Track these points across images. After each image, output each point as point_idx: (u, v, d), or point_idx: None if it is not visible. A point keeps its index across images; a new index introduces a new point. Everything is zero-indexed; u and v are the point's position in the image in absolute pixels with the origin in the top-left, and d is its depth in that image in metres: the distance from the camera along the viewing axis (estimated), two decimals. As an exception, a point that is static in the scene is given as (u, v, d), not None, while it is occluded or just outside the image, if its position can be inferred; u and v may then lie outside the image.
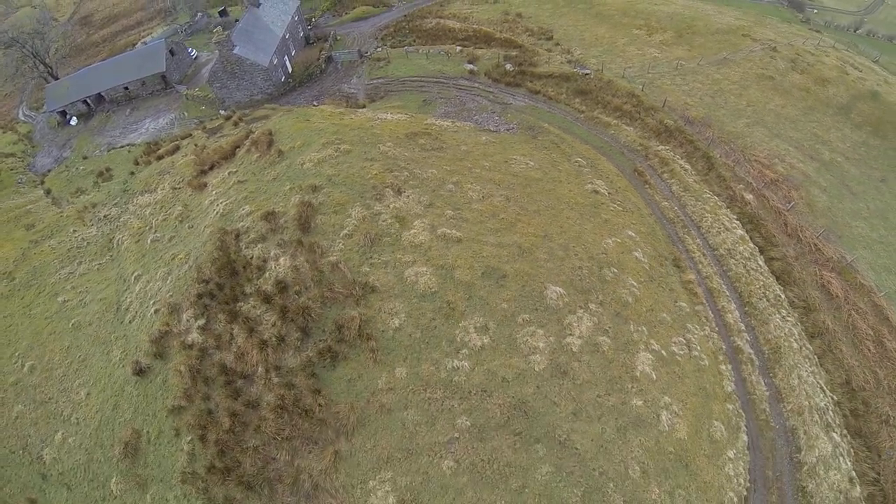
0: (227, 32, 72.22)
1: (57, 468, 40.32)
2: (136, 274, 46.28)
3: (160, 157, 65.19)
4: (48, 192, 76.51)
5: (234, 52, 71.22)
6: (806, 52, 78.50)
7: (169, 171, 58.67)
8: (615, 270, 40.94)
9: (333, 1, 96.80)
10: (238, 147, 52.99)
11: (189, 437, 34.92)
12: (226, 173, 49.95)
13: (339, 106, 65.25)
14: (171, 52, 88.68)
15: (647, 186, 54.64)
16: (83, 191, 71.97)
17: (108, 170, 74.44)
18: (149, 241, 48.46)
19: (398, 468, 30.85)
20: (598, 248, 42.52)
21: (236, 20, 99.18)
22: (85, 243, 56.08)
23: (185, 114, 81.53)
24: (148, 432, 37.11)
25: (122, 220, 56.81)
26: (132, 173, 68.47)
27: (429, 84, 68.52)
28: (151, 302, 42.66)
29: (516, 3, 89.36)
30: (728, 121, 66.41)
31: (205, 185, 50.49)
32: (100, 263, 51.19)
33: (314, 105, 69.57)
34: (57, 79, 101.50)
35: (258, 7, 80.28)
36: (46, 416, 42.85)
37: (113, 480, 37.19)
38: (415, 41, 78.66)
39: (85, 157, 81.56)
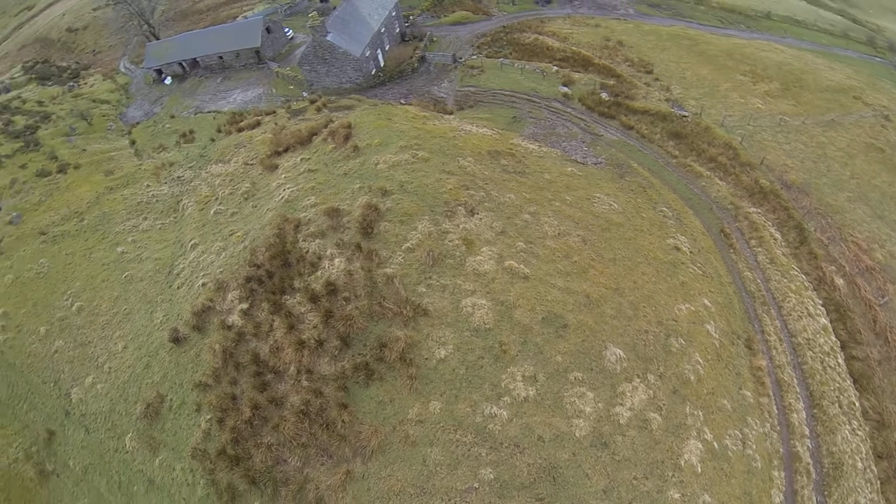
0: (322, 18, 71.91)
1: (80, 409, 40.83)
2: (193, 242, 46.15)
3: (241, 130, 65.52)
4: (133, 143, 78.55)
5: (327, 38, 70.98)
6: (923, 128, 72.02)
7: (245, 146, 58.70)
8: (682, 342, 37.58)
9: (434, 1, 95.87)
10: (315, 134, 52.29)
11: (208, 416, 34.26)
12: (298, 159, 49.27)
13: (425, 108, 63.84)
14: (268, 30, 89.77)
15: (731, 251, 50.68)
16: (165, 148, 73.36)
17: (191, 132, 75.68)
18: (212, 212, 48.32)
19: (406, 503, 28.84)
20: (670, 313, 39.23)
21: (335, 7, 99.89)
22: (154, 200, 56.76)
23: (274, 90, 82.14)
24: (171, 400, 36.80)
25: (192, 184, 57.21)
26: (212, 140, 69.27)
27: (520, 101, 66.30)
28: (201, 273, 42.26)
29: (619, 30, 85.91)
30: (829, 191, 61.23)
31: (276, 166, 49.98)
32: (163, 223, 51.55)
33: (401, 103, 68.47)
34: (158, 39, 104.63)
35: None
36: (82, 357, 43.41)
37: (129, 436, 37.29)
38: (511, 54, 76.55)
39: (172, 117, 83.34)
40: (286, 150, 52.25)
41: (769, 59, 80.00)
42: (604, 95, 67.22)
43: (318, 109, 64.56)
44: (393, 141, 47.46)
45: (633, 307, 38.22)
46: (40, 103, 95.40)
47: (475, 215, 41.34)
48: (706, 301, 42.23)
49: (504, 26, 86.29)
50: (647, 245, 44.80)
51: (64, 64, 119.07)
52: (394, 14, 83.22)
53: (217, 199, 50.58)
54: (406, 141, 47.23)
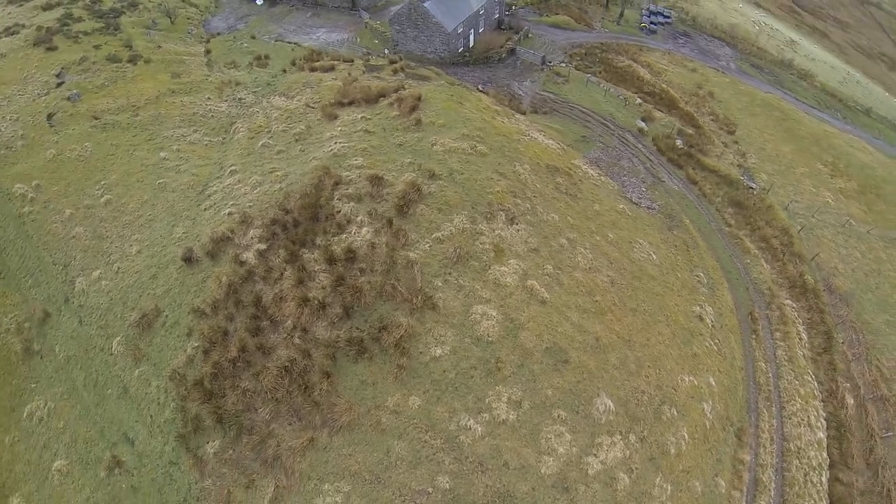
0: None
1: (80, 299, 41.35)
2: (233, 168, 46.15)
3: (313, 70, 65.29)
4: (207, 52, 78.87)
5: (424, 4, 70.04)
6: None
7: (313, 87, 58.41)
8: (675, 412, 36.43)
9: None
10: (383, 96, 51.67)
11: (196, 344, 34.45)
12: (359, 116, 48.75)
13: (500, 102, 62.71)
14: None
15: (753, 337, 48.86)
16: (236, 66, 73.53)
17: (266, 57, 75.68)
18: (260, 144, 48.23)
19: (359, 487, 28.71)
20: (672, 380, 38.01)
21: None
22: (210, 115, 56.97)
23: (359, 40, 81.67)
24: (167, 316, 37.05)
25: (251, 110, 57.26)
26: (284, 71, 69.22)
27: (595, 123, 64.70)
28: (231, 202, 42.28)
29: (713, 81, 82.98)
30: (870, 309, 58.49)
31: (336, 116, 49.60)
32: (210, 141, 51.70)
33: (478, 89, 67.31)
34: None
35: (465, -27, 78.90)
36: (96, 250, 43.87)
37: (117, 339, 37.73)
38: (600, 73, 74.64)
39: (253, 38, 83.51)
40: (350, 104, 51.73)
41: (855, 156, 76.56)
42: (678, 142, 65.22)
43: (395, 72, 63.85)
44: (457, 126, 46.56)
45: (637, 364, 37.17)
46: None
47: (514, 225, 40.39)
48: (711, 380, 40.89)
49: (602, 43, 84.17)
50: (672, 305, 43.43)
51: None
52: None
53: (269, 132, 50.43)
54: (469, 130, 46.29)
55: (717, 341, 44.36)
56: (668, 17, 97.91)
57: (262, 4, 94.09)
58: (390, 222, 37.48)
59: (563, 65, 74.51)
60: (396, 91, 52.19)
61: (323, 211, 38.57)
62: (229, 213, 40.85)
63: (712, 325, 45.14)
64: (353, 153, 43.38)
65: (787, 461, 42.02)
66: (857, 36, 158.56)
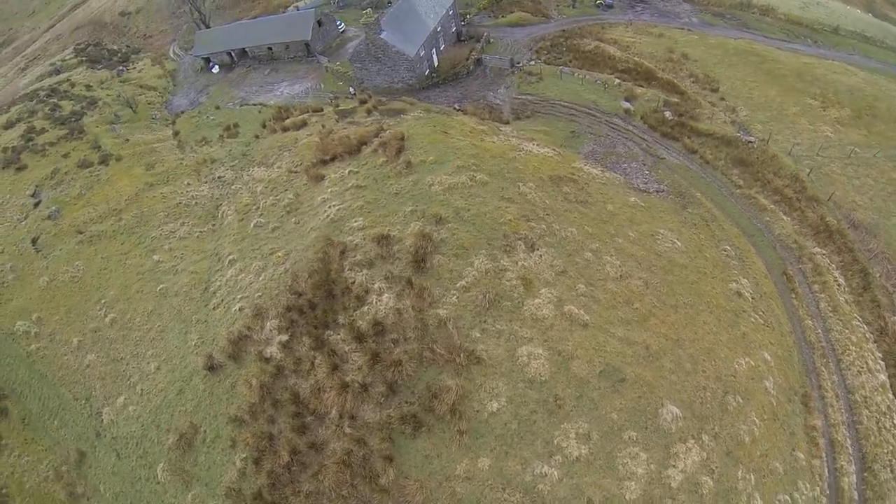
0: (377, 15, 69.41)
1: (112, 431, 39.75)
2: (231, 257, 44.62)
3: (286, 129, 63.96)
4: (176, 133, 77.74)
5: (381, 36, 68.68)
6: None
7: (290, 149, 57.06)
8: (740, 400, 35.04)
9: (491, 0, 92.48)
10: (365, 143, 50.25)
11: (244, 455, 32.94)
12: (346, 171, 47.29)
13: (480, 117, 61.40)
14: (319, 23, 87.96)
15: (793, 296, 47.26)
16: (207, 141, 72.31)
17: (235, 125, 74.48)
18: (252, 225, 46.73)
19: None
20: (729, 367, 36.59)
21: (389, 2, 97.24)
22: (193, 203, 55.56)
23: (322, 85, 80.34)
24: (205, 432, 35.47)
25: (233, 187, 55.88)
26: (257, 137, 67.96)
27: (580, 114, 63.26)
28: (239, 296, 40.77)
29: (682, 41, 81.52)
30: (898, 234, 57.03)
31: (322, 177, 48.12)
32: (200, 232, 50.20)
33: (455, 108, 65.91)
34: (209, 27, 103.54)
35: (414, -5, 77.53)
36: (115, 375, 42.35)
37: (160, 466, 36.12)
38: (571, 61, 73.21)
39: (217, 108, 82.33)
40: (333, 160, 50.30)
41: (840, 82, 75.04)
42: (667, 114, 63.72)
43: (369, 112, 62.52)
44: (449, 159, 45.15)
45: (692, 361, 35.82)
46: (88, 87, 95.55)
47: (535, 251, 38.95)
48: (766, 354, 39.55)
49: (564, 30, 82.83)
50: (709, 290, 41.96)
51: (115, 47, 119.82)
52: (451, 13, 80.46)
53: (258, 209, 48.93)
54: (463, 160, 44.87)
55: (760, 313, 42.87)
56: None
57: (218, 73, 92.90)
58: (410, 282, 35.97)
59: (533, 63, 73.14)
60: (377, 135, 50.78)
61: (337, 286, 37.06)
62: (240, 309, 39.33)
63: (752, 298, 43.66)
64: (351, 214, 41.91)
65: (857, 414, 40.74)
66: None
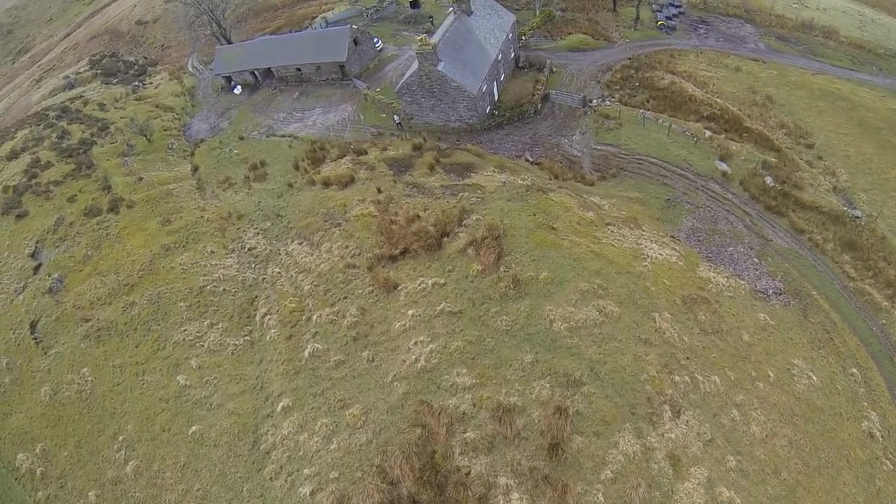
0: (432, 43, 55.01)
1: None
2: (284, 402, 31.68)
3: (327, 184, 50.67)
4: (195, 169, 64.44)
5: (439, 68, 54.82)
6: None
7: (339, 223, 43.97)
8: None
9: (544, 17, 78.23)
10: (446, 235, 37.04)
11: None
12: (428, 282, 34.19)
13: (562, 176, 48.71)
14: (355, 42, 73.05)
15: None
16: (232, 184, 59.11)
17: (262, 164, 61.16)
18: (306, 353, 33.55)
19: None
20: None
21: (430, 17, 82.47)
22: (221, 289, 42.47)
23: (361, 116, 66.48)
24: None
25: (269, 271, 42.95)
26: (290, 186, 54.76)
27: (672, 175, 50.53)
28: (305, 469, 28.31)
29: (762, 78, 67.92)
30: None
31: (395, 286, 35.06)
32: (235, 346, 37.09)
33: (528, 160, 52.74)
34: (229, 41, 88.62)
35: (470, 16, 62.94)
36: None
37: None
38: (648, 101, 59.93)
39: (241, 138, 68.52)
40: (404, 254, 37.17)
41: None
42: (768, 180, 51.02)
43: (431, 168, 49.12)
44: (567, 276, 32.37)
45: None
46: (101, 107, 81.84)
47: (680, 416, 27.70)
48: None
49: (630, 59, 69.07)
50: (846, 437, 32.10)
51: (131, 59, 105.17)
52: (510, 36, 66.25)
53: (311, 323, 35.53)
54: (586, 278, 32.12)
55: (891, 457, 32.51)
56: (680, 6, 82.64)
57: (241, 94, 78.43)
58: (546, 479, 23.96)
59: (608, 103, 59.49)
60: (461, 221, 37.64)
61: (449, 479, 24.71)
62: (312, 493, 26.82)
63: (882, 437, 33.49)
64: (449, 361, 29.25)
65: None
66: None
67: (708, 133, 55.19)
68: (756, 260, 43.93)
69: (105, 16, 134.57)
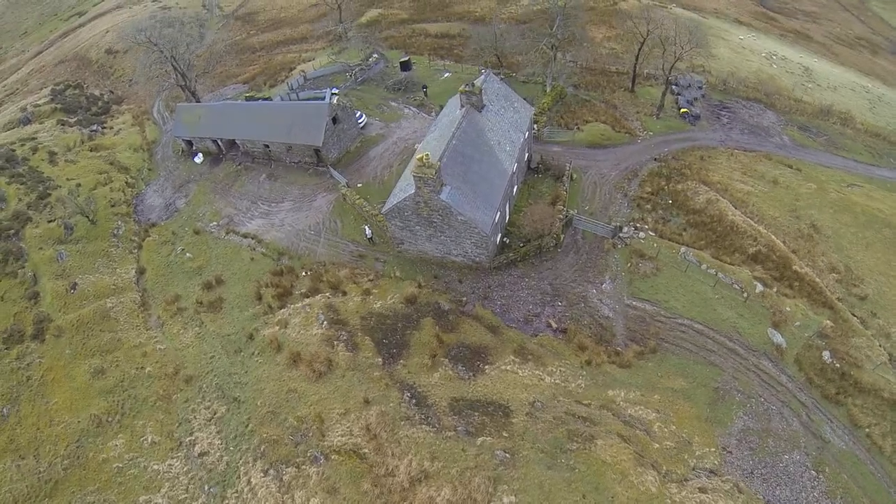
0: (437, 164, 39.67)
1: None
2: None
3: (296, 361, 37.04)
4: (142, 272, 50.04)
5: (442, 197, 40.29)
6: None
7: (317, 458, 30.04)
8: None
9: (556, 96, 63.74)
10: None
11: None
12: None
13: (591, 349, 35.69)
14: (334, 120, 56.80)
15: None
16: (181, 308, 46.45)
17: (218, 282, 46.87)
18: None
19: None
20: None
21: (424, 87, 66.97)
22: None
23: (339, 223, 50.73)
24: None
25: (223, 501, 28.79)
26: (251, 337, 40.41)
27: (720, 350, 38.25)
28: None
29: (803, 196, 54.92)
30: None
31: None
32: None
33: (551, 327, 39.09)
34: (194, 93, 71.91)
35: (480, 112, 47.98)
36: None
37: None
38: (686, 228, 46.72)
39: (197, 232, 52.87)
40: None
41: None
42: (825, 356, 39.22)
43: (432, 354, 35.11)
44: None
45: None
46: (51, 157, 66.21)
47: None
48: None
49: (657, 160, 55.82)
50: None
51: (96, 92, 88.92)
52: (527, 135, 51.32)
53: None
54: None
55: None
56: (701, 88, 69.67)
57: (202, 163, 62.07)
58: None
59: (643, 235, 45.87)
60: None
61: None
62: None
63: None
64: None
65: None
66: (829, 25, 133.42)
67: (759, 287, 42.54)
68: (814, 473, 32.74)
69: (77, 38, 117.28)
